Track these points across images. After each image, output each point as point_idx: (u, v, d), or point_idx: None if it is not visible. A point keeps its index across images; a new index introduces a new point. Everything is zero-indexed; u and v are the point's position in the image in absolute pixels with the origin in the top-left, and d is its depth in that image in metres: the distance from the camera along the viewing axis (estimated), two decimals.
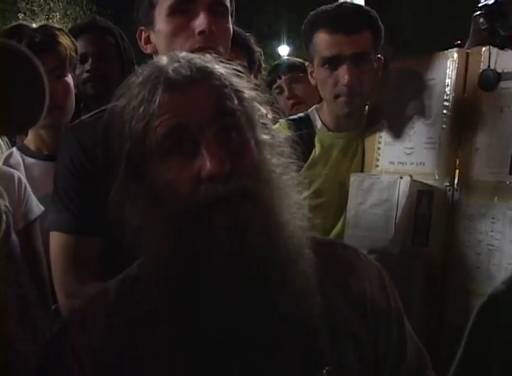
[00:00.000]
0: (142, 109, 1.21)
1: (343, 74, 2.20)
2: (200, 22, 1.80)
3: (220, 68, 1.28)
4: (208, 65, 1.26)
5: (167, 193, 1.20)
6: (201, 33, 1.79)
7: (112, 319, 1.28)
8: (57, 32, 2.35)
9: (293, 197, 1.28)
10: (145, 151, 1.22)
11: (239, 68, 1.31)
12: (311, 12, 2.34)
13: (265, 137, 1.30)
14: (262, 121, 1.32)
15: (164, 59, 1.28)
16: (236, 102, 1.25)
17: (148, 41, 1.93)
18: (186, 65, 1.23)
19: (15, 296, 1.43)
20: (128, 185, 1.27)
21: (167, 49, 1.84)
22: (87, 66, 2.78)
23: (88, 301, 1.36)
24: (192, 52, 1.74)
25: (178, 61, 1.24)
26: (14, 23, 2.50)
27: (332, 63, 2.23)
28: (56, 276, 1.81)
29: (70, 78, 2.40)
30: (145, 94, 1.21)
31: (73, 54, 2.40)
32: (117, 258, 1.67)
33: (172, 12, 1.83)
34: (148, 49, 1.94)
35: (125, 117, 1.25)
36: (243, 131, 1.24)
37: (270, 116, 2.22)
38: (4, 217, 1.49)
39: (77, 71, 2.64)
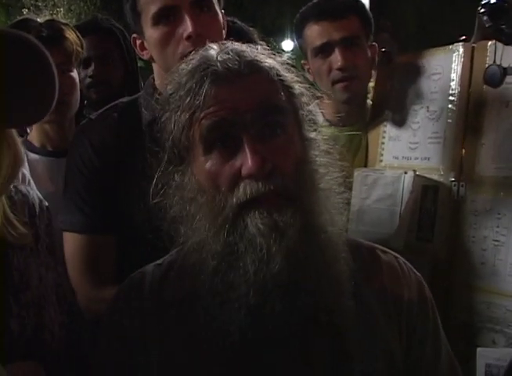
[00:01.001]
0: (188, 99, 1.21)
1: (336, 58, 2.25)
2: (186, 27, 1.77)
3: (271, 62, 1.26)
4: (258, 58, 1.24)
5: (209, 185, 1.20)
6: (188, 38, 1.77)
7: (144, 303, 1.31)
8: (63, 27, 2.36)
9: (334, 199, 1.28)
10: (189, 142, 1.23)
11: (290, 62, 1.30)
12: (299, 11, 2.41)
13: (312, 134, 1.29)
14: (310, 117, 1.31)
15: (213, 50, 1.26)
16: (284, 98, 1.24)
17: (143, 47, 1.92)
18: (235, 58, 1.21)
19: (54, 283, 1.46)
20: (173, 173, 1.27)
21: (161, 56, 1.85)
22: (90, 72, 2.78)
23: (126, 285, 1.38)
24: (185, 57, 1.74)
25: (228, 53, 1.22)
26: (20, 18, 2.51)
27: (324, 50, 2.28)
28: (74, 278, 1.79)
29: (75, 73, 2.41)
30: (192, 85, 1.21)
31: (80, 49, 2.40)
32: (130, 255, 1.67)
33: (157, 21, 1.81)
34: (145, 55, 1.94)
35: (172, 105, 1.25)
36: (289, 128, 1.23)
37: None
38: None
39: (81, 74, 2.64)
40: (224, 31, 1.90)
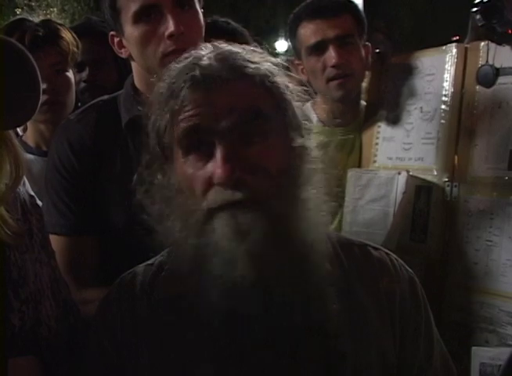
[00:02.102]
0: (171, 101, 1.21)
1: (330, 56, 2.25)
2: (167, 25, 1.76)
3: (264, 65, 1.24)
4: (245, 63, 1.22)
5: (185, 187, 1.22)
6: (170, 36, 1.75)
7: (135, 303, 1.32)
8: (59, 27, 2.36)
9: (316, 208, 1.26)
10: (170, 143, 1.24)
11: (285, 65, 1.29)
12: (292, 12, 2.42)
13: (299, 141, 1.26)
14: (300, 122, 1.29)
15: (202, 51, 1.25)
16: (270, 104, 1.23)
17: (121, 45, 1.90)
18: (216, 64, 1.20)
19: (49, 278, 1.47)
20: (155, 171, 1.28)
21: (141, 55, 1.83)
22: (84, 76, 2.74)
23: (117, 285, 1.38)
24: (166, 55, 1.73)
25: (210, 58, 1.21)
26: (16, 17, 2.50)
27: (318, 48, 2.28)
28: None
29: (70, 73, 2.40)
30: (175, 87, 1.21)
31: (75, 49, 2.40)
32: (113, 256, 1.66)
33: (138, 19, 1.78)
34: (123, 53, 1.91)
35: (157, 106, 1.25)
36: (270, 135, 1.22)
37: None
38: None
39: (75, 79, 2.63)
40: (203, 30, 1.88)
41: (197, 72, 1.19)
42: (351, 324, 1.26)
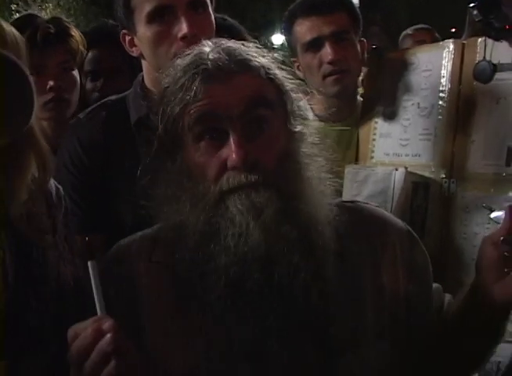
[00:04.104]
0: (180, 94, 1.28)
1: (326, 52, 2.26)
2: (181, 27, 1.78)
3: (262, 60, 1.33)
4: (249, 57, 1.31)
5: (196, 174, 1.28)
6: (183, 38, 1.77)
7: (133, 264, 1.37)
8: (68, 25, 2.38)
9: (320, 186, 1.34)
10: (179, 133, 1.30)
11: (282, 60, 1.37)
12: (288, 8, 2.43)
13: (299, 128, 1.35)
14: (299, 112, 1.37)
15: (207, 47, 1.33)
16: (273, 94, 1.32)
17: (132, 44, 1.91)
18: (225, 57, 1.28)
19: (72, 277, 1.45)
20: (163, 161, 1.33)
21: (153, 55, 1.85)
22: (98, 85, 2.69)
23: (113, 250, 1.45)
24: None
25: (219, 52, 1.29)
26: (24, 13, 2.53)
27: (314, 45, 2.29)
28: None
29: (76, 72, 2.42)
30: (185, 81, 1.28)
31: (83, 49, 2.41)
32: None
33: (152, 19, 1.80)
34: (134, 52, 1.93)
35: (165, 99, 1.32)
36: (275, 123, 1.31)
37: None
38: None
39: (88, 86, 2.62)
40: (213, 34, 1.90)
41: (209, 65, 1.27)
42: (345, 287, 1.32)
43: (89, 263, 1.20)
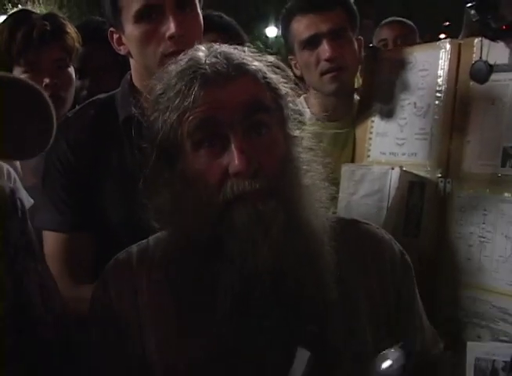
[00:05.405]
0: (177, 101, 1.25)
1: (323, 50, 2.27)
2: (169, 26, 1.77)
3: (258, 64, 1.31)
4: (245, 61, 1.29)
5: (196, 182, 1.25)
6: (171, 38, 1.76)
7: (134, 277, 1.35)
8: (64, 22, 2.36)
9: (317, 194, 1.33)
10: (177, 141, 1.26)
11: (277, 63, 1.35)
12: (285, 6, 2.44)
13: (296, 132, 1.34)
14: (295, 116, 1.36)
15: (201, 52, 1.31)
16: (270, 98, 1.30)
17: (120, 42, 1.91)
18: (223, 61, 1.26)
19: (37, 285, 1.43)
20: (162, 170, 1.30)
21: (141, 54, 1.84)
22: (86, 83, 2.70)
23: (112, 264, 1.42)
24: (166, 56, 1.74)
25: (216, 56, 1.27)
26: (18, 9, 2.50)
27: (311, 42, 2.30)
28: None
29: (72, 70, 2.41)
30: (181, 86, 1.25)
31: (78, 45, 2.40)
32: (109, 253, 1.67)
33: (139, 19, 1.79)
34: (122, 50, 1.92)
35: (160, 106, 1.29)
36: (273, 127, 1.29)
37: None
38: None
39: (76, 84, 2.57)
40: (201, 34, 1.89)
41: (207, 70, 1.24)
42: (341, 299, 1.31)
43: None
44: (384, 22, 4.09)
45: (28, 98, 1.13)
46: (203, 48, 1.32)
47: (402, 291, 1.42)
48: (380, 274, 1.40)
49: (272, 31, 12.83)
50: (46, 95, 1.22)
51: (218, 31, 2.31)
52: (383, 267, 1.41)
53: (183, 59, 1.31)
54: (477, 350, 1.68)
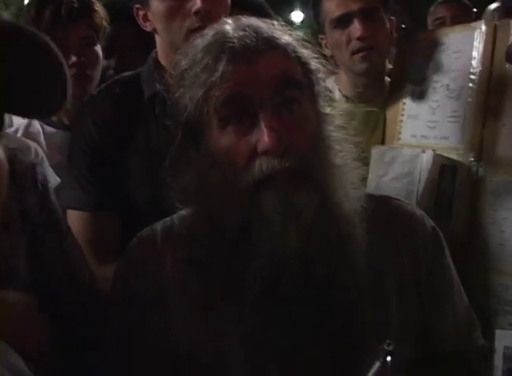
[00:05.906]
0: (204, 76, 1.20)
1: (354, 29, 2.24)
2: (195, 1, 1.76)
3: (288, 38, 1.26)
4: (275, 35, 1.24)
5: (223, 161, 1.20)
6: (197, 13, 1.75)
7: (158, 255, 1.32)
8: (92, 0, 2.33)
9: (349, 175, 1.29)
10: (203, 118, 1.22)
11: (307, 39, 1.31)
12: None
13: (327, 110, 1.30)
14: (326, 92, 1.31)
15: (228, 25, 1.26)
16: (301, 74, 1.25)
17: (146, 18, 1.90)
18: (252, 34, 1.21)
19: (61, 264, 1.42)
20: (187, 148, 1.26)
21: (166, 30, 1.84)
22: (112, 63, 2.68)
23: (136, 241, 1.39)
24: (191, 32, 1.73)
25: (244, 29, 1.22)
26: None
27: (343, 21, 2.26)
28: None
29: (99, 48, 2.39)
30: (208, 61, 1.20)
31: (106, 24, 2.39)
32: (134, 233, 1.66)
33: None
34: (148, 27, 1.92)
35: (186, 81, 1.25)
36: (304, 104, 1.24)
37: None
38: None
39: (102, 64, 2.57)
40: (227, 10, 1.87)
41: (236, 43, 1.19)
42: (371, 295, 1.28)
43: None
44: (439, 0, 4.01)
45: (33, 48, 1.07)
46: (230, 22, 1.27)
47: (434, 269, 1.38)
48: (412, 250, 1.36)
49: (297, 16, 12.71)
50: (53, 45, 1.18)
51: (246, 9, 2.27)
52: (415, 243, 1.36)
53: (209, 33, 1.26)
54: (506, 338, 1.64)
